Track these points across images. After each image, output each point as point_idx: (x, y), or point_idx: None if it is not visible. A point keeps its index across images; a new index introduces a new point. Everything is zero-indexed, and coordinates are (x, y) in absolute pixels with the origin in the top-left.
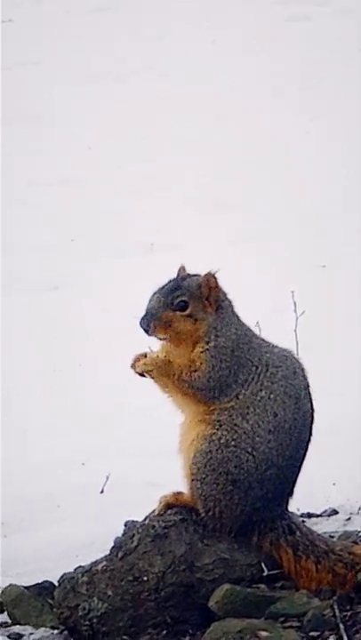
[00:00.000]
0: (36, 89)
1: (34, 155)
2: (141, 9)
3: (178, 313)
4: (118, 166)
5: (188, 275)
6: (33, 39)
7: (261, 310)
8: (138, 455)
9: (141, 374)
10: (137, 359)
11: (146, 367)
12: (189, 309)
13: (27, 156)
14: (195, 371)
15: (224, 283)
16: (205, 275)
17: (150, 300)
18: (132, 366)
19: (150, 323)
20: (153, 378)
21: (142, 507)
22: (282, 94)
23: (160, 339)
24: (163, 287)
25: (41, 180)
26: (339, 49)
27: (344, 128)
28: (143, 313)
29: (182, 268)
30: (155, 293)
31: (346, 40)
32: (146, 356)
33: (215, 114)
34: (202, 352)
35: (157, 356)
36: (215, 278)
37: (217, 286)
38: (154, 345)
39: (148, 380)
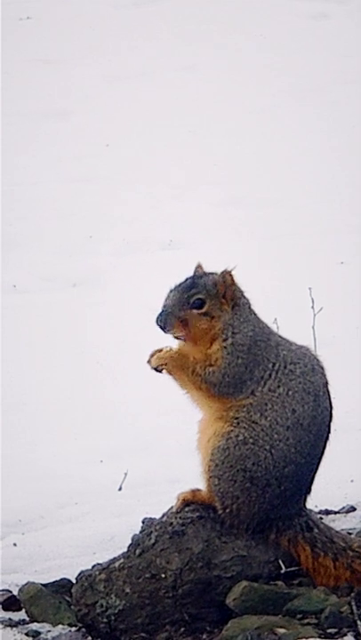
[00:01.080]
0: (55, 86)
1: (53, 152)
2: (164, 6)
3: (194, 311)
4: (136, 164)
5: (205, 272)
6: (51, 36)
7: (279, 307)
8: (157, 452)
9: (157, 370)
10: (153, 354)
11: (160, 360)
12: (206, 307)
13: (45, 153)
14: (210, 365)
15: (241, 280)
16: (222, 272)
17: (167, 298)
18: (148, 361)
19: (167, 320)
20: (168, 372)
21: (161, 504)
22: (300, 92)
23: (176, 336)
24: (179, 285)
25: (60, 177)
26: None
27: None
28: (159, 310)
29: (199, 266)
30: (171, 291)
31: None
32: (161, 351)
33: (234, 111)
34: (218, 349)
35: (172, 350)
36: (231, 276)
37: (233, 284)
38: (171, 343)
39: (166, 377)
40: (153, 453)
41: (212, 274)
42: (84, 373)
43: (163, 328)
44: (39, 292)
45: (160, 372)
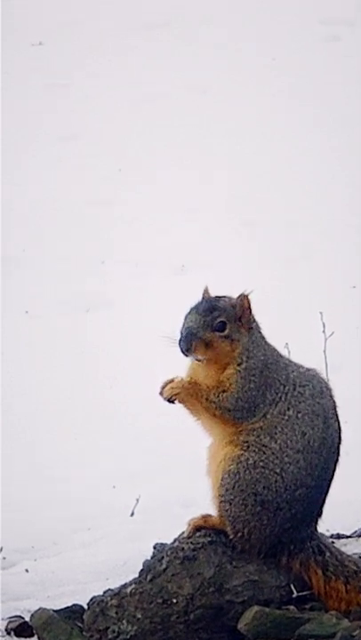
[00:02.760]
0: (67, 111)
1: (66, 176)
2: (179, 32)
3: (217, 333)
4: (148, 187)
5: (218, 296)
6: (62, 61)
7: (291, 331)
8: (169, 478)
9: (170, 401)
10: (164, 385)
11: (173, 391)
12: (227, 330)
13: (59, 177)
14: (223, 391)
15: (254, 303)
16: (239, 296)
17: (187, 321)
18: (160, 393)
19: (191, 343)
20: (182, 402)
21: (174, 529)
22: (312, 113)
23: (198, 359)
24: (198, 307)
25: (73, 201)
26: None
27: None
28: (182, 333)
29: (206, 290)
30: (190, 314)
31: None
32: (173, 382)
33: (247, 133)
34: (233, 374)
35: (184, 380)
36: (248, 299)
37: (250, 307)
38: (180, 371)
39: (177, 405)
40: (166, 479)
41: (226, 297)
42: (97, 397)
43: (185, 351)
44: (53, 317)
45: (173, 402)
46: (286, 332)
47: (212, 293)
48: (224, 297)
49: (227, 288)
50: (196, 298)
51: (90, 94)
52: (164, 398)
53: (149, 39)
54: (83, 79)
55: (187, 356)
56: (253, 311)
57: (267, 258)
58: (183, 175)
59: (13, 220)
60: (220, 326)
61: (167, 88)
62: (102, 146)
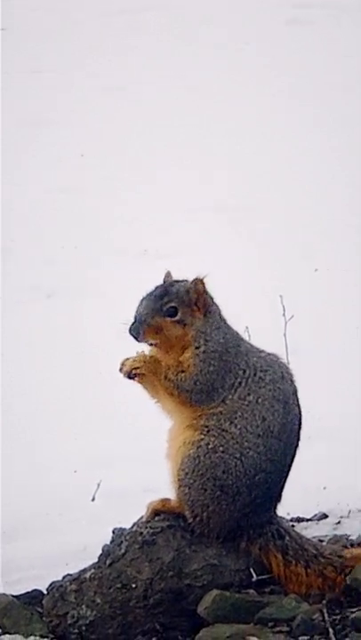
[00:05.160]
0: (33, 97)
1: (29, 162)
2: (141, 17)
3: (168, 319)
4: (112, 174)
5: (176, 280)
6: (29, 47)
7: (251, 315)
8: (130, 462)
9: (130, 377)
10: (124, 361)
11: (134, 364)
12: (179, 315)
13: (21, 163)
14: (182, 371)
15: (214, 287)
16: (193, 280)
17: (139, 307)
18: (121, 368)
19: (140, 329)
20: (141, 377)
21: (134, 514)
22: (282, 97)
23: (150, 344)
24: (151, 293)
25: (36, 187)
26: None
27: (340, 133)
28: (132, 319)
29: (168, 274)
30: (143, 299)
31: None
32: (134, 357)
33: (210, 119)
34: (191, 356)
35: (146, 355)
36: (203, 283)
37: (205, 291)
38: (144, 350)
39: (138, 386)
40: (127, 463)
41: (183, 281)
42: (59, 383)
43: (136, 336)
44: (17, 302)
45: (132, 378)
46: (247, 315)
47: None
48: (180, 281)
49: (188, 272)
50: (158, 283)
51: (55, 80)
52: (124, 373)
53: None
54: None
55: (138, 341)
56: (211, 295)
57: (227, 242)
58: (148, 161)
59: None
60: (170, 311)
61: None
62: (72, 131)
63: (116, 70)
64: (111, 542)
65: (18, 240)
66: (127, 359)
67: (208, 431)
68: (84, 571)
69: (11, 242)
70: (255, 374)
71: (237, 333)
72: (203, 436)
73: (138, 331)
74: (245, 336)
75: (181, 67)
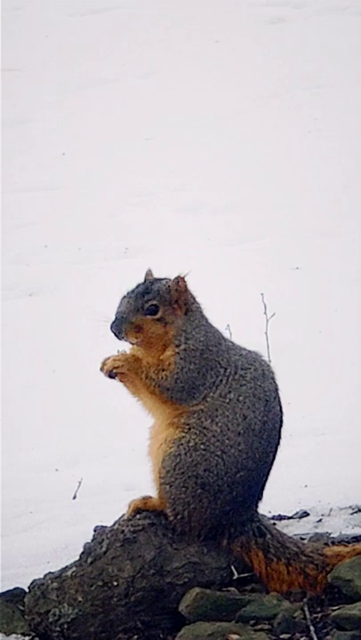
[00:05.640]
0: (12, 95)
1: (9, 161)
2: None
3: (148, 317)
4: (92, 172)
5: (157, 278)
6: (6, 45)
7: (232, 313)
8: (112, 461)
9: (110, 376)
10: (105, 360)
11: (115, 363)
12: (160, 313)
13: (2, 161)
14: (163, 370)
15: (195, 286)
16: (175, 278)
17: (120, 305)
18: (102, 368)
19: (121, 327)
20: (122, 376)
21: (116, 512)
22: (260, 97)
23: (131, 343)
24: (132, 291)
25: (16, 186)
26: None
27: (323, 131)
28: (113, 317)
29: (149, 272)
30: (124, 297)
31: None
32: (115, 355)
33: (193, 118)
34: (171, 355)
35: (127, 354)
36: (185, 281)
37: (186, 289)
38: (125, 349)
39: (119, 385)
40: (109, 462)
41: (164, 279)
42: (40, 381)
43: (117, 335)
44: (3, 301)
45: (113, 377)
46: (228, 313)
47: (157, 276)
48: (161, 279)
49: (169, 270)
50: (139, 281)
51: (34, 79)
52: (105, 372)
53: (94, 22)
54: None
55: (120, 339)
56: (192, 293)
57: (209, 241)
58: (128, 160)
59: None
60: (151, 309)
61: (113, 71)
62: (47, 130)
63: (74, 78)
64: (92, 540)
65: None
66: (108, 358)
67: (189, 429)
68: (66, 569)
69: None
70: (236, 372)
71: (219, 331)
72: (184, 434)
73: (119, 328)
74: (227, 334)
75: (164, 63)
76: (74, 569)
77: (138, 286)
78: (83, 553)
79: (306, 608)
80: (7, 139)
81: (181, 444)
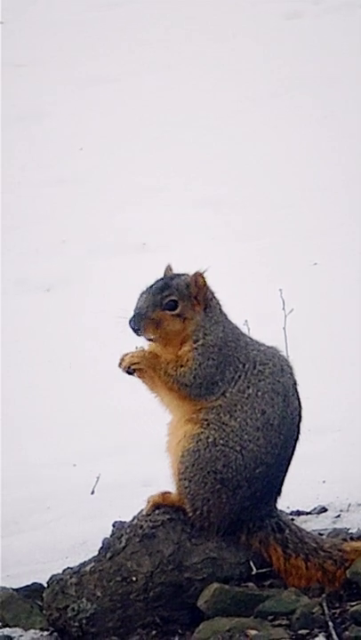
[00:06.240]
0: (28, 90)
1: (25, 156)
2: (137, 10)
3: (167, 312)
4: (110, 167)
5: (176, 274)
6: (22, 40)
7: (251, 309)
8: (130, 456)
9: (129, 372)
10: (123, 357)
11: (133, 359)
12: (179, 309)
13: (18, 157)
14: (181, 366)
15: (213, 281)
16: (194, 274)
17: (139, 300)
18: (120, 364)
19: (140, 322)
20: (140, 372)
21: (134, 507)
22: (274, 93)
23: (149, 339)
24: (151, 287)
25: (32, 181)
26: (333, 47)
27: (337, 125)
28: (132, 313)
29: (169, 268)
30: (143, 293)
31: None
32: (133, 352)
33: (209, 112)
34: (189, 350)
35: (145, 350)
36: (203, 277)
37: (205, 285)
38: (143, 345)
39: (137, 380)
40: (127, 457)
41: (183, 275)
42: (57, 377)
43: (136, 330)
44: (13, 296)
45: (132, 373)
46: (246, 309)
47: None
48: (181, 275)
49: (187, 266)
50: (158, 276)
51: (50, 73)
52: (123, 368)
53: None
54: (43, 58)
55: (138, 335)
56: (211, 289)
57: (228, 236)
58: (145, 154)
59: None
60: (170, 305)
61: (129, 66)
62: (63, 124)
63: (89, 73)
64: (111, 536)
65: (16, 233)
66: (126, 354)
67: (208, 425)
68: (85, 564)
69: (8, 235)
70: (255, 367)
71: (237, 327)
72: (203, 430)
73: (138, 324)
74: (245, 330)
75: (178, 58)
76: (92, 564)
77: (157, 282)
78: (101, 548)
79: (324, 603)
80: (23, 133)
81: (200, 440)
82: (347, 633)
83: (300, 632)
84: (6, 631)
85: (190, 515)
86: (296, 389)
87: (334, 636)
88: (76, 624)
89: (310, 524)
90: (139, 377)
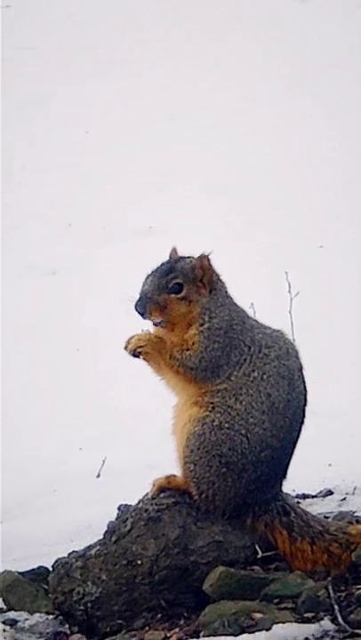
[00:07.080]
0: (34, 74)
1: (31, 140)
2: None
3: (173, 295)
4: (115, 151)
5: (181, 257)
6: (30, 25)
7: (257, 292)
8: (135, 439)
9: (135, 355)
10: (130, 339)
11: (139, 342)
12: (184, 292)
13: (24, 141)
14: (187, 349)
15: (219, 264)
16: (199, 257)
17: (144, 284)
18: (125, 347)
19: (146, 306)
20: (146, 355)
21: (140, 491)
22: (281, 80)
23: (155, 322)
24: (156, 270)
25: (38, 165)
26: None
27: (343, 111)
28: (138, 296)
29: (174, 251)
30: (148, 276)
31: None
32: (139, 334)
33: (216, 100)
34: (195, 333)
35: (151, 333)
36: (209, 260)
37: (210, 268)
38: (149, 328)
39: (143, 364)
40: (132, 440)
41: (188, 258)
42: (64, 360)
43: (142, 314)
44: (19, 279)
45: (137, 356)
46: (252, 292)
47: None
48: (186, 258)
49: (192, 249)
50: (163, 259)
51: (56, 57)
52: (129, 351)
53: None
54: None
55: (144, 318)
56: (217, 272)
57: (233, 220)
58: (152, 139)
59: None
60: (176, 288)
61: (137, 52)
62: (70, 109)
63: (98, 58)
64: (116, 519)
65: (20, 217)
66: (132, 337)
67: (213, 408)
68: (90, 547)
69: (12, 219)
70: (260, 351)
71: (243, 310)
72: (208, 413)
73: (143, 307)
74: (251, 313)
75: (184, 44)
76: (98, 548)
77: (162, 265)
78: (107, 532)
79: (330, 587)
80: (30, 117)
81: (206, 423)
82: (352, 616)
83: (305, 615)
84: (12, 615)
85: (196, 498)
86: (302, 373)
87: (340, 619)
88: (82, 607)
89: (316, 508)
90: (144, 360)
